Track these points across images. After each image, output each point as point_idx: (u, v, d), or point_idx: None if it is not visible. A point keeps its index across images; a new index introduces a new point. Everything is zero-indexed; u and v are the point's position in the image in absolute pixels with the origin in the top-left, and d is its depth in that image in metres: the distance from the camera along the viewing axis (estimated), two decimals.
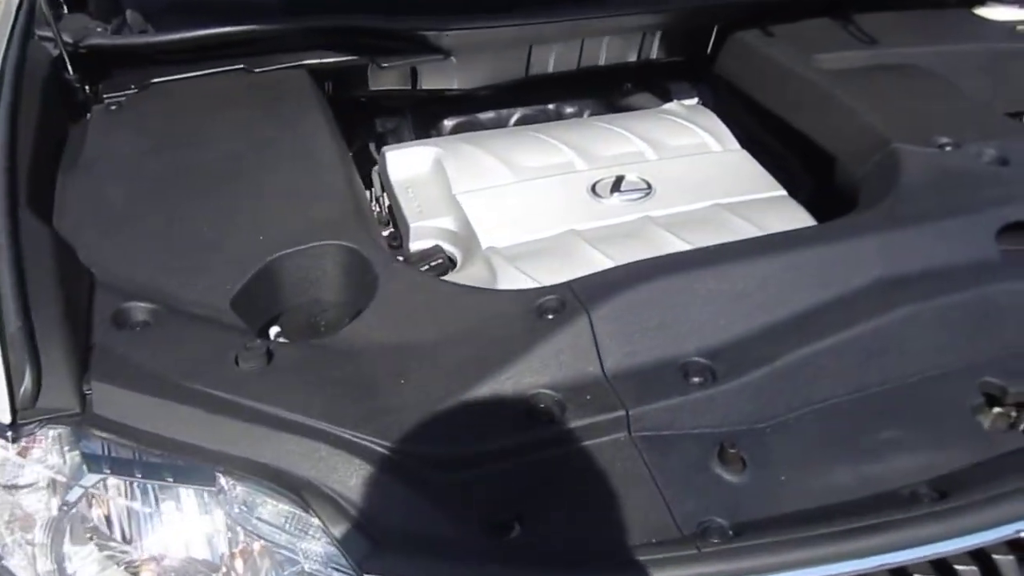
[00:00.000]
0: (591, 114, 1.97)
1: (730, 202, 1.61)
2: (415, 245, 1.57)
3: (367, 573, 0.87)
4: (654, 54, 1.87)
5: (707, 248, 1.23)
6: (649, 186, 1.63)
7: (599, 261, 1.43)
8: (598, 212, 1.56)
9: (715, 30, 1.86)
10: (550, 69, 1.79)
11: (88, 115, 1.49)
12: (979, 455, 1.07)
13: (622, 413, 1.02)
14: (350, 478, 0.93)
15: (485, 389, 1.01)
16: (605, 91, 1.98)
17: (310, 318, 1.20)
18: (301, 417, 0.97)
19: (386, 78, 1.70)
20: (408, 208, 1.60)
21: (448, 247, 1.57)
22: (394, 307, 1.12)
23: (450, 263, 1.55)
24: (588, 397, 1.03)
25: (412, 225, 1.56)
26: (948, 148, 1.45)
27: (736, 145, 1.77)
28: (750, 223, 1.54)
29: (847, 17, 1.82)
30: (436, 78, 1.71)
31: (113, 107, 1.49)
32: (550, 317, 1.09)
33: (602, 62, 1.82)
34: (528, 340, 1.06)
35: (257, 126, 1.43)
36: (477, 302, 1.13)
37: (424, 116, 1.88)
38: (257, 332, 1.15)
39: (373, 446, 0.95)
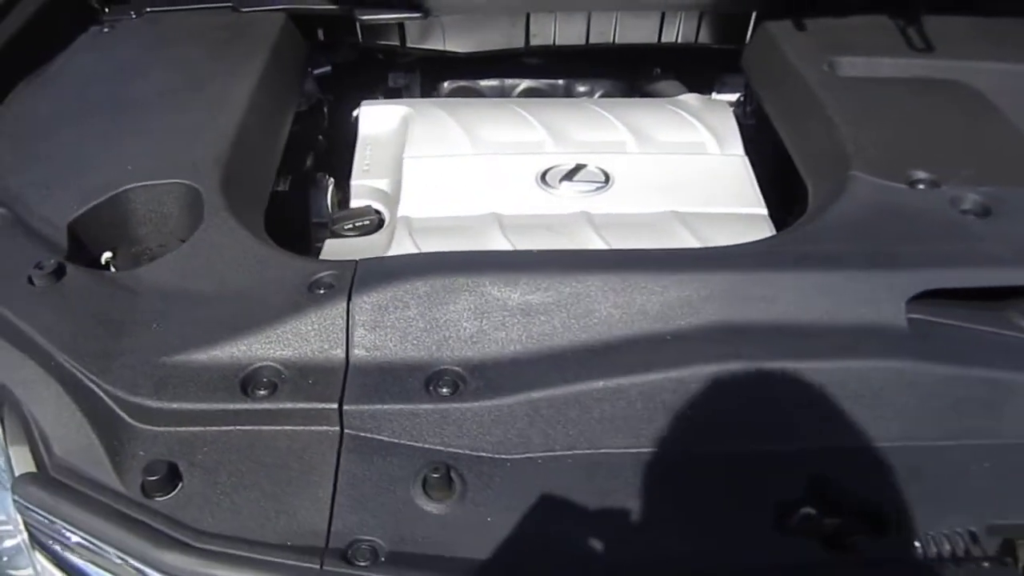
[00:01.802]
0: (603, 95, 1.81)
1: (690, 211, 1.43)
2: (354, 202, 1.55)
3: (15, 494, 0.90)
4: (680, 37, 1.68)
5: (521, 252, 1.10)
6: (607, 180, 1.48)
7: (499, 247, 1.34)
8: (539, 199, 1.45)
9: (753, 16, 1.63)
10: (553, 41, 1.67)
11: None
12: (749, 560, 0.88)
13: (334, 406, 0.95)
14: (48, 405, 0.95)
15: (218, 350, 0.99)
16: (630, 73, 1.82)
17: (144, 251, 1.23)
18: (41, 339, 1.00)
19: (380, 33, 1.68)
20: (358, 164, 1.58)
21: (383, 209, 1.53)
22: (196, 254, 1.12)
23: (380, 225, 1.52)
24: (311, 381, 0.97)
25: (352, 183, 1.55)
26: (922, 186, 1.17)
27: (739, 150, 1.55)
28: (697, 238, 1.36)
29: (914, 17, 1.52)
30: (425, 38, 1.66)
31: (105, 30, 1.60)
32: (320, 292, 1.04)
33: (614, 40, 1.66)
34: (282, 311, 1.01)
35: (204, 65, 1.47)
36: (267, 264, 1.09)
37: (433, 76, 1.83)
38: (92, 257, 1.21)
39: (86, 382, 0.97)
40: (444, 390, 0.98)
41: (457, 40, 1.67)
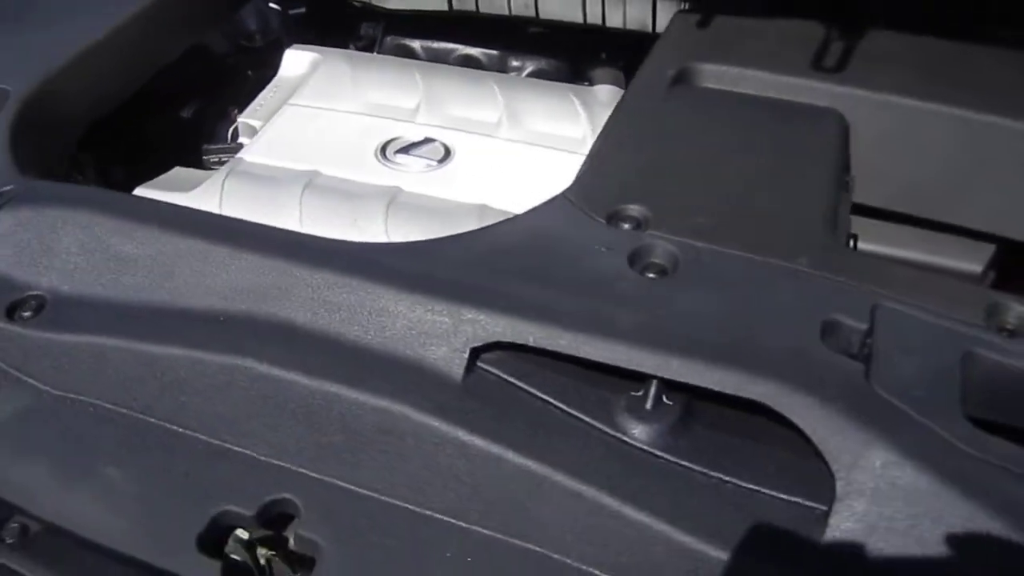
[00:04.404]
0: (532, 73, 1.64)
1: (501, 209, 1.29)
2: (241, 139, 1.59)
3: None
4: (612, 21, 1.48)
5: (147, 200, 1.06)
6: (445, 158, 1.38)
7: (288, 206, 1.31)
8: (368, 167, 1.40)
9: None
10: (476, 8, 1.55)
11: None
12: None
13: None
14: None
15: None
16: (574, 54, 1.63)
17: None
18: None
19: None
20: (254, 103, 1.61)
21: None
22: None
23: None
24: None
25: (239, 119, 1.58)
26: (626, 225, 0.95)
27: None
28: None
29: (850, 28, 1.21)
30: None
31: None
32: None
33: (537, 14, 1.51)
34: None
35: None
36: None
37: (393, 31, 1.79)
38: None
39: None
40: (27, 313, 1.00)
41: None
